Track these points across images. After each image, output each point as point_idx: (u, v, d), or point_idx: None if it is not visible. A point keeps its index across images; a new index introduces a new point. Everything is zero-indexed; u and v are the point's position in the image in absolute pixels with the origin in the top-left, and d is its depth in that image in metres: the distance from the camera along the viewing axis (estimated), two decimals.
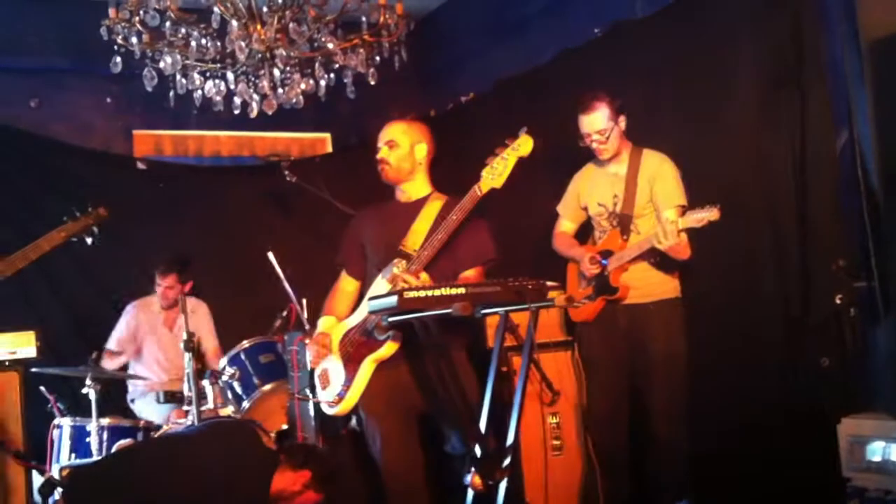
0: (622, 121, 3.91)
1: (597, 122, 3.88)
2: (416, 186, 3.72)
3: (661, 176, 3.89)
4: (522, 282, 3.08)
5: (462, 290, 2.99)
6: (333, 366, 3.69)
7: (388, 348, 3.51)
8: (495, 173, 3.40)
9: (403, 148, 3.66)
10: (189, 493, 3.26)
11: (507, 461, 3.04)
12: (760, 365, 3.93)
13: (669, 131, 4.24)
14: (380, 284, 3.57)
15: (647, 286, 3.87)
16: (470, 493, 3.08)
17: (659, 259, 3.81)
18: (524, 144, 3.43)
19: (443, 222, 3.46)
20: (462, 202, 3.44)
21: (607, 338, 3.94)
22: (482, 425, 3.14)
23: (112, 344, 5.27)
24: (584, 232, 4.23)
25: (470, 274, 3.59)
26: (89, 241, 3.81)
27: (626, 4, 4.86)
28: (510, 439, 3.08)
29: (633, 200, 3.91)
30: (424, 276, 3.42)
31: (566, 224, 4.23)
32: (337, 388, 3.63)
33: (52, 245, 3.25)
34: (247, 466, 3.38)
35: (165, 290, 5.27)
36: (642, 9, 4.76)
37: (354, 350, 3.61)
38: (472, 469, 3.04)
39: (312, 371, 3.85)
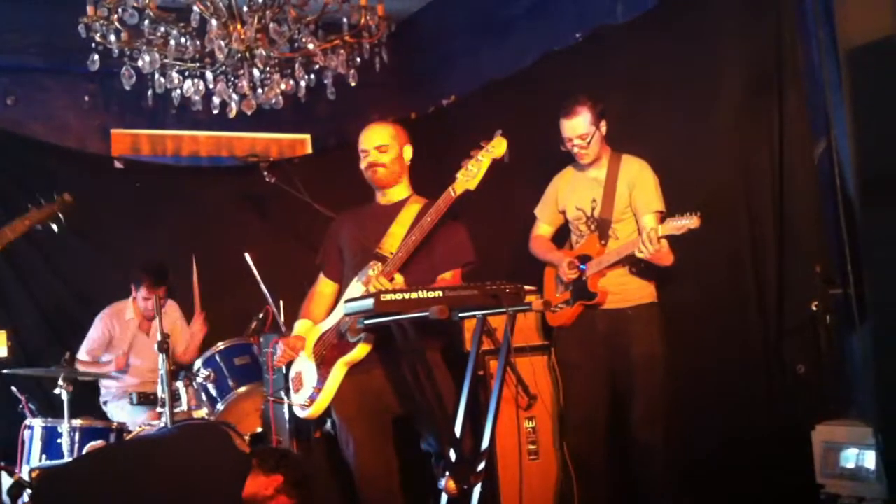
0: (603, 126, 3.92)
1: (578, 126, 3.88)
2: (397, 190, 3.72)
3: (640, 182, 3.90)
4: (499, 285, 3.08)
5: (439, 294, 2.99)
6: (307, 368, 3.67)
7: (360, 350, 3.49)
8: (469, 175, 3.41)
9: (394, 151, 3.66)
10: (160, 496, 3.22)
11: (480, 466, 3.03)
12: (737, 371, 3.94)
13: (650, 136, 4.25)
14: (355, 287, 3.56)
15: (626, 291, 3.87)
16: (444, 498, 3.07)
17: (637, 265, 3.81)
18: (498, 146, 3.44)
19: (417, 224, 3.45)
20: (436, 204, 3.45)
21: (585, 343, 3.94)
22: (457, 429, 3.12)
23: (83, 354, 5.15)
24: (562, 236, 4.22)
25: (447, 276, 3.59)
26: (55, 228, 3.74)
27: (608, 8, 4.87)
28: (485, 444, 3.07)
29: (611, 205, 3.91)
30: (399, 278, 3.41)
31: (543, 227, 4.23)
32: (309, 390, 3.61)
33: (17, 233, 3.19)
34: (219, 469, 3.34)
35: (153, 302, 5.14)
36: (623, 13, 4.78)
37: (328, 353, 3.59)
38: (447, 473, 3.03)
39: (287, 374, 3.83)
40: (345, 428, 3.64)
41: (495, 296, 3.05)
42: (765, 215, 3.86)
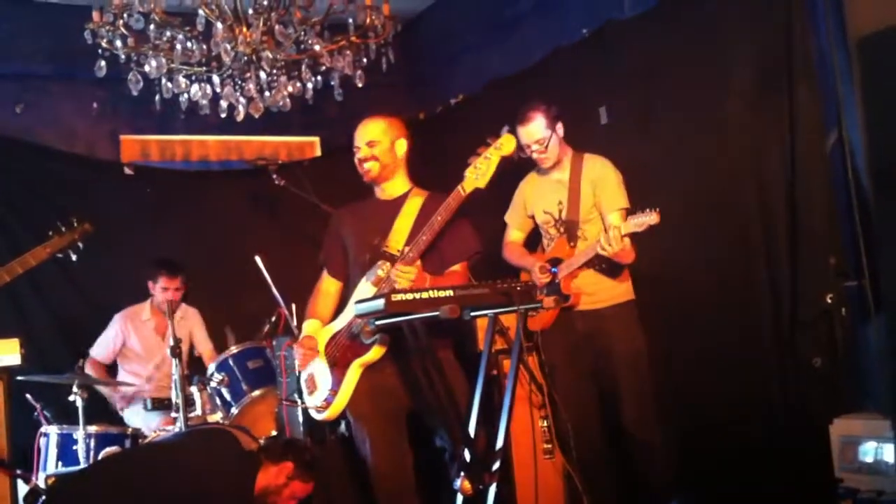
0: (560, 128, 3.93)
1: (534, 132, 3.89)
2: (395, 184, 3.69)
3: (603, 180, 3.90)
4: (511, 283, 3.07)
5: (450, 293, 2.97)
6: (320, 370, 3.65)
7: (375, 352, 3.48)
8: (479, 173, 3.40)
9: (384, 145, 3.63)
10: (172, 500, 3.24)
11: (495, 465, 3.01)
12: (752, 364, 3.90)
13: (660, 130, 4.22)
14: (364, 287, 3.54)
15: (600, 291, 3.87)
16: (459, 498, 3.05)
17: (606, 264, 3.79)
18: (507, 143, 3.43)
19: (427, 223, 3.43)
20: (446, 202, 3.42)
21: (567, 344, 3.93)
22: (471, 429, 3.11)
23: (96, 352, 5.21)
24: (534, 240, 4.20)
25: (457, 268, 3.58)
26: (74, 257, 3.81)
27: (615, 3, 4.84)
28: (499, 443, 3.05)
29: (577, 206, 3.91)
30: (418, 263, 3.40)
31: (515, 233, 4.22)
32: (324, 393, 3.59)
33: (38, 260, 3.28)
34: (226, 471, 3.39)
35: (173, 292, 5.21)
36: (630, 7, 4.75)
37: (341, 354, 3.58)
38: (462, 473, 3.01)
39: (300, 376, 3.82)
40: (360, 426, 3.63)
41: (506, 294, 3.03)
42: (777, 208, 3.82)
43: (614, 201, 3.86)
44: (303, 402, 3.78)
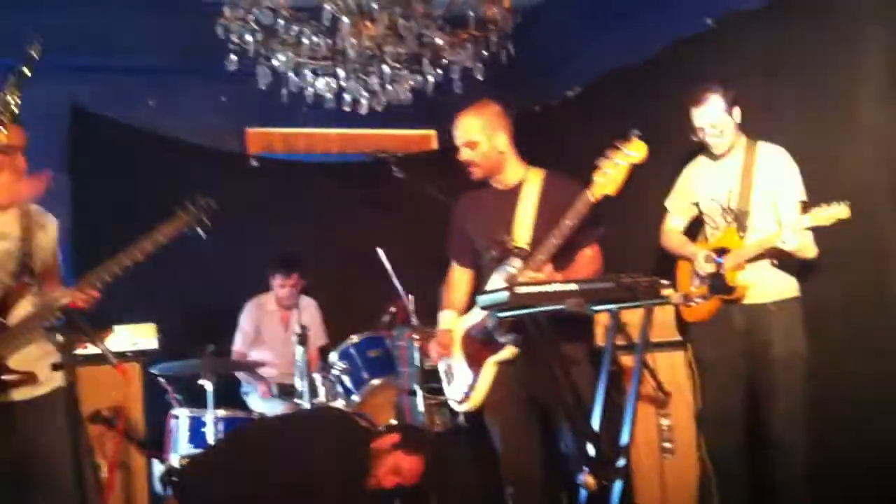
0: (736, 112, 3.78)
1: (710, 114, 3.76)
2: (508, 173, 3.67)
3: (778, 170, 3.75)
4: (635, 278, 3.02)
5: (574, 287, 2.95)
6: (458, 363, 3.71)
7: (509, 351, 3.50)
8: (608, 179, 3.28)
9: (483, 146, 3.60)
10: (290, 472, 3.32)
11: (621, 462, 2.99)
12: (882, 373, 3.75)
13: (789, 125, 4.09)
14: (496, 281, 3.52)
15: (767, 284, 3.73)
16: (583, 493, 3.04)
17: (779, 258, 3.67)
18: (637, 150, 3.28)
19: (556, 227, 3.35)
20: (576, 208, 3.33)
21: (723, 339, 3.81)
22: (595, 424, 3.09)
23: (239, 344, 5.45)
24: (692, 227, 4.10)
25: (588, 252, 3.56)
26: (202, 232, 3.95)
27: None
28: (624, 439, 3.03)
29: (748, 196, 3.77)
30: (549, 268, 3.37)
31: (676, 220, 4.10)
32: (463, 387, 3.65)
33: (167, 237, 3.34)
34: (337, 438, 3.45)
35: (290, 288, 5.38)
36: None
37: (475, 350, 3.62)
38: (586, 468, 3.00)
39: (422, 367, 3.88)
40: (490, 417, 3.65)
41: (631, 289, 2.99)
42: None
43: (792, 193, 3.72)
44: (442, 394, 3.82)
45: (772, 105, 4.22)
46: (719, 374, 3.85)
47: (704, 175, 3.97)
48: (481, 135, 3.59)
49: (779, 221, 3.70)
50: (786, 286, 3.76)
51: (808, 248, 3.53)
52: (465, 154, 3.62)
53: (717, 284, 3.76)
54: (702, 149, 3.93)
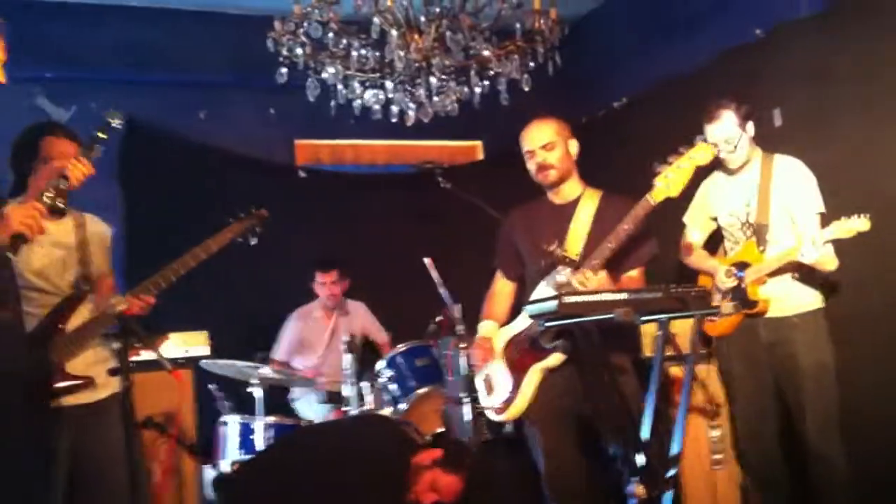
0: (750, 127, 3.77)
1: (723, 130, 3.75)
2: (570, 186, 3.67)
3: (796, 182, 3.73)
4: (685, 288, 3.01)
5: (624, 296, 2.94)
6: (498, 372, 3.69)
7: (556, 358, 3.49)
8: (670, 182, 3.27)
9: (561, 147, 3.62)
10: (332, 482, 3.35)
11: (671, 472, 2.97)
12: None
13: (836, 136, 4.05)
14: (545, 291, 3.52)
15: (789, 298, 3.70)
16: (632, 502, 3.02)
17: (800, 270, 3.64)
18: (703, 153, 3.28)
19: (608, 228, 3.38)
20: (634, 212, 3.33)
21: (748, 353, 3.79)
22: (645, 434, 3.07)
23: (277, 354, 5.51)
24: (711, 242, 4.08)
25: (633, 274, 3.53)
26: (253, 241, 4.01)
27: (790, 2, 4.68)
28: (675, 449, 3.01)
29: (766, 209, 3.75)
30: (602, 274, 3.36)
31: (695, 235, 4.08)
32: (504, 394, 3.62)
33: (220, 245, 3.40)
34: (379, 448, 3.49)
35: (330, 286, 5.45)
36: (806, 7, 4.58)
37: (520, 357, 3.60)
38: (635, 478, 2.99)
39: (469, 376, 3.87)
40: (533, 428, 3.64)
41: (682, 299, 2.98)
42: None
43: (810, 205, 3.69)
44: (480, 404, 3.81)
45: (820, 116, 4.18)
46: (747, 387, 3.82)
47: (722, 190, 3.96)
48: (557, 137, 3.61)
49: (798, 235, 3.66)
50: (808, 298, 3.72)
51: (828, 261, 3.50)
52: (540, 156, 3.61)
53: (739, 299, 3.73)
54: (718, 164, 3.92)
